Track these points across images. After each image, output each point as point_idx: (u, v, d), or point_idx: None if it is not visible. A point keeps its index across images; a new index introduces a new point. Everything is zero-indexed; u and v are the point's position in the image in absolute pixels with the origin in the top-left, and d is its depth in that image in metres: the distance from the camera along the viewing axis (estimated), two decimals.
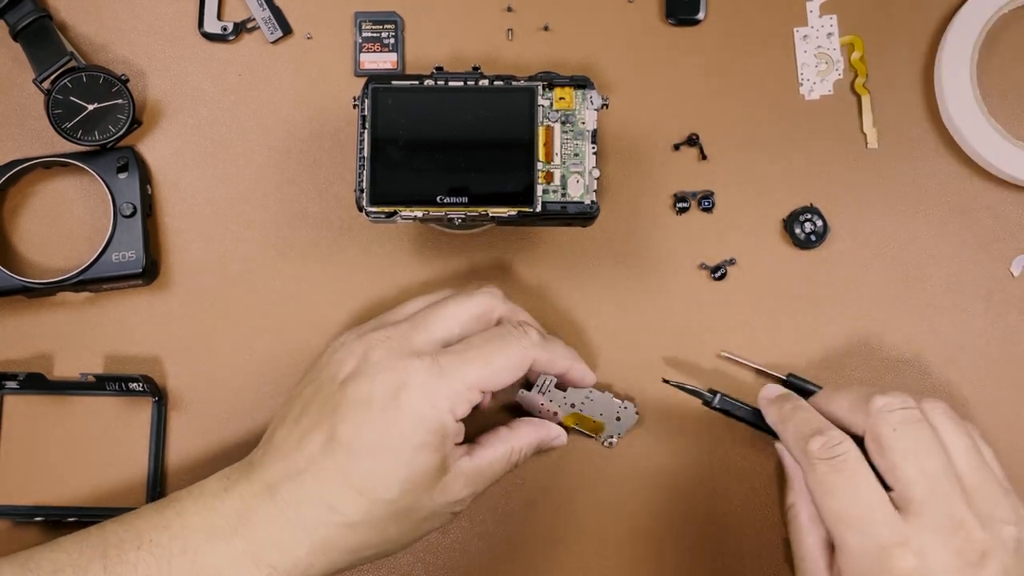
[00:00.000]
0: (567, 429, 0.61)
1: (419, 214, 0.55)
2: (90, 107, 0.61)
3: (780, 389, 0.58)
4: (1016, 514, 0.49)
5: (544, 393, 0.59)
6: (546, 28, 0.65)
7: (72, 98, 0.61)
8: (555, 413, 0.60)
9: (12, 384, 0.61)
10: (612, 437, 0.62)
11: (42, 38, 0.61)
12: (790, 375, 0.61)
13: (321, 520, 0.50)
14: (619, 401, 0.61)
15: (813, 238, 0.63)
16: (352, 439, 0.50)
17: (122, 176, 0.62)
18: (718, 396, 0.58)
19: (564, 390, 0.60)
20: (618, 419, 0.61)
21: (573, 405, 0.61)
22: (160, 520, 0.51)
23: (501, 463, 0.55)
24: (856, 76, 0.64)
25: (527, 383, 0.59)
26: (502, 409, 0.62)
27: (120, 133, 0.61)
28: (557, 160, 0.55)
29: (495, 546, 0.62)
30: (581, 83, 0.55)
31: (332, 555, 0.51)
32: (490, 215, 0.54)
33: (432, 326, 0.54)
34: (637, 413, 0.61)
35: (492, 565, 0.62)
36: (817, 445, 0.50)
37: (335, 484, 0.50)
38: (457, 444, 0.53)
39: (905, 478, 0.49)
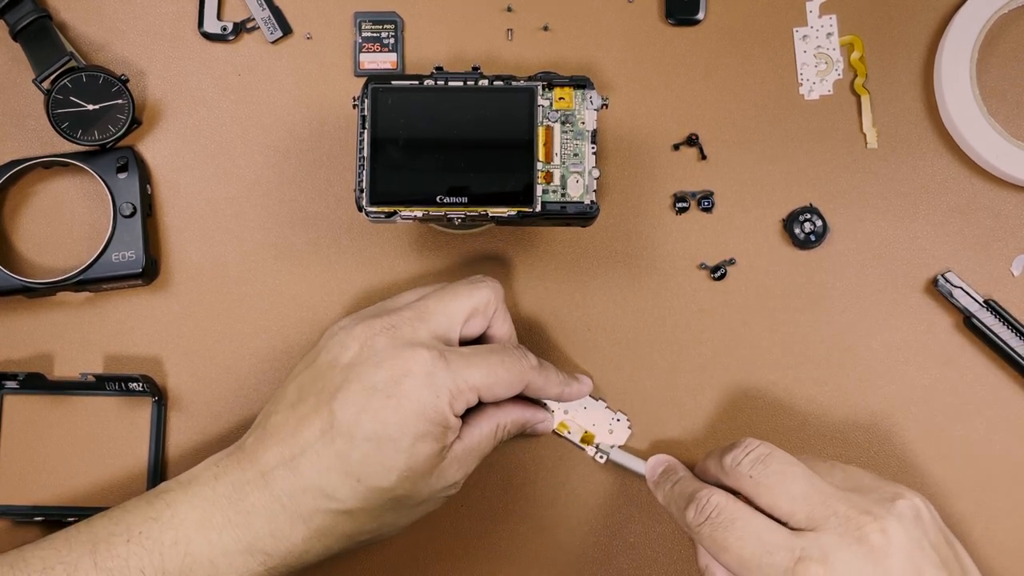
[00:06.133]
0: (558, 436, 0.61)
1: (419, 214, 0.55)
2: (90, 107, 0.61)
3: (662, 464, 0.58)
4: (899, 489, 0.50)
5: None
6: (546, 28, 0.65)
7: (72, 98, 0.61)
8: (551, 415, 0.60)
9: (12, 384, 0.61)
10: (605, 452, 0.61)
11: (42, 38, 0.61)
12: None
13: (317, 507, 0.50)
14: (612, 412, 0.61)
15: (813, 238, 0.63)
16: (352, 426, 0.50)
17: (122, 176, 0.62)
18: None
19: None
20: (611, 432, 0.61)
21: (566, 412, 0.61)
22: (150, 512, 0.51)
23: (488, 440, 0.55)
24: (856, 76, 0.64)
25: None
26: None
27: (120, 133, 0.61)
28: (557, 160, 0.55)
29: (491, 546, 0.62)
30: (581, 83, 0.55)
31: (327, 541, 0.51)
32: (490, 215, 0.54)
33: (435, 317, 0.54)
34: (630, 428, 0.61)
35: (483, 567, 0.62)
36: (692, 514, 0.51)
37: (332, 471, 0.50)
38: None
39: (784, 511, 0.49)
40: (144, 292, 0.63)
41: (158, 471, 0.61)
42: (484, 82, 0.55)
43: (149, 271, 0.61)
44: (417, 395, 0.50)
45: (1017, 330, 0.61)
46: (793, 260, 0.63)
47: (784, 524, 0.49)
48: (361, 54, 0.64)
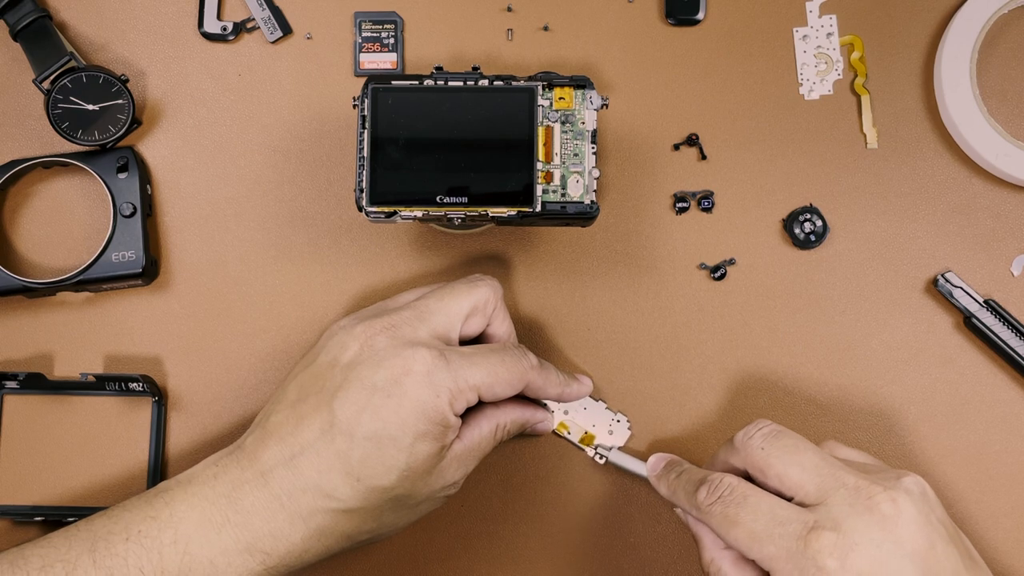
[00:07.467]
0: (558, 437, 0.61)
1: (419, 214, 0.55)
2: (90, 107, 0.61)
3: (664, 459, 0.58)
4: (903, 471, 0.50)
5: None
6: (546, 28, 0.65)
7: (72, 98, 0.61)
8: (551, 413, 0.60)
9: (12, 384, 0.61)
10: (604, 453, 0.61)
11: (42, 38, 0.61)
12: None
13: (316, 506, 0.50)
14: (612, 413, 0.61)
15: (813, 238, 0.63)
16: (352, 425, 0.50)
17: (122, 176, 0.62)
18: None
19: None
20: (611, 432, 0.61)
21: (566, 412, 0.61)
22: (149, 511, 0.51)
23: (488, 440, 0.55)
24: (856, 76, 0.64)
25: None
26: None
27: (120, 133, 0.61)
28: (557, 160, 0.55)
29: (487, 546, 0.62)
30: (581, 83, 0.55)
31: (327, 541, 0.51)
32: (490, 215, 0.55)
33: (435, 317, 0.54)
34: (630, 429, 0.61)
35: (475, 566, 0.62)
36: (703, 494, 0.51)
37: (332, 470, 0.50)
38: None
39: (794, 482, 0.49)
40: (144, 292, 0.63)
41: (158, 471, 0.61)
42: (484, 82, 0.55)
43: (149, 271, 0.61)
44: (417, 394, 0.50)
45: (1017, 330, 0.61)
46: (793, 260, 0.63)
47: (792, 501, 0.49)
48: (361, 54, 0.64)
